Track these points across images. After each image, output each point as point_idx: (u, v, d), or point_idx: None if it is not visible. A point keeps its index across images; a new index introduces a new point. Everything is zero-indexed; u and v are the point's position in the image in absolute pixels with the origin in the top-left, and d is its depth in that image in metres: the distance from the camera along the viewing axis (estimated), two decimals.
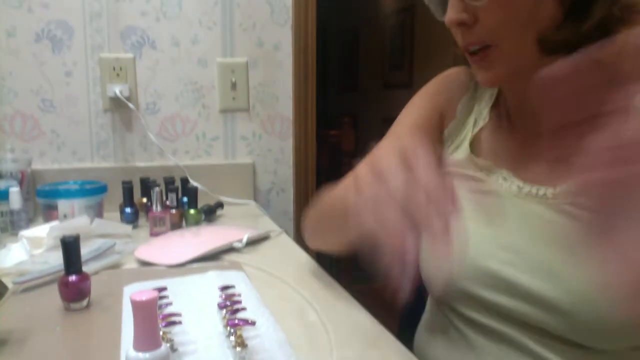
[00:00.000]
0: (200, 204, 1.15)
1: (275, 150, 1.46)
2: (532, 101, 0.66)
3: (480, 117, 0.75)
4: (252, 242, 1.00)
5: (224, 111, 1.40)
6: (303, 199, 1.48)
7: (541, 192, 0.64)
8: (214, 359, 0.56)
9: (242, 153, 1.44)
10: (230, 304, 0.66)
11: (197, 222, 1.12)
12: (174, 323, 0.62)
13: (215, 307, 0.67)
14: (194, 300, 0.70)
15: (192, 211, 1.11)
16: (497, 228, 0.66)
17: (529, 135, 0.68)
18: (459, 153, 0.74)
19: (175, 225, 1.10)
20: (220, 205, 1.23)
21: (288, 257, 0.94)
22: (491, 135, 0.73)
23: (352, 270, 2.93)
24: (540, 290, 0.60)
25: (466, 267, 0.66)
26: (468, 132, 0.75)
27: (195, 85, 1.37)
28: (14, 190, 1.06)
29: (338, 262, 2.98)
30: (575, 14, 0.58)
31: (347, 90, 4.10)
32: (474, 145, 0.73)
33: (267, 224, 1.18)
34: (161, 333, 0.57)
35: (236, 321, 0.61)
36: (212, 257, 0.91)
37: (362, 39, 3.80)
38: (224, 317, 0.63)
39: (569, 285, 0.58)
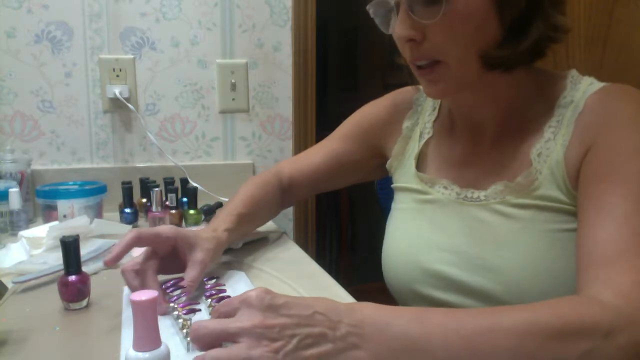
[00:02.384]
0: (199, 205, 1.15)
1: (275, 151, 1.46)
2: (474, 113, 0.74)
3: (424, 130, 0.82)
4: (252, 242, 1.00)
5: (223, 112, 1.40)
6: (302, 199, 1.48)
7: (475, 195, 0.71)
8: None
9: (241, 153, 1.44)
10: (215, 293, 0.67)
11: (196, 223, 1.12)
12: (193, 310, 0.63)
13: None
14: (195, 296, 0.71)
15: (191, 211, 1.11)
16: (439, 232, 0.73)
17: (468, 145, 0.75)
18: (406, 167, 0.82)
19: (175, 226, 1.10)
20: (219, 205, 1.23)
21: (288, 257, 0.94)
22: (435, 149, 0.80)
23: (352, 270, 2.93)
24: (480, 285, 0.67)
25: (416, 271, 0.74)
26: (415, 147, 0.82)
27: (195, 86, 1.37)
28: (14, 191, 1.06)
29: (338, 262, 2.98)
30: (513, 34, 0.64)
31: (347, 91, 4.10)
32: (420, 159, 0.81)
33: (266, 225, 1.18)
34: (181, 321, 0.59)
35: None
36: None
37: (362, 39, 3.80)
38: (210, 306, 0.65)
39: (504, 278, 0.65)
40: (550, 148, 0.66)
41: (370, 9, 0.68)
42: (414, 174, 0.80)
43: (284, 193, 0.96)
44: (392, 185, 0.85)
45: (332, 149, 0.94)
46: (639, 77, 1.18)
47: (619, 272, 0.52)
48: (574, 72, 0.71)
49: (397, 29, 0.64)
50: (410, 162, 0.81)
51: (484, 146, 0.74)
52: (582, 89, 0.67)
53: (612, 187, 0.58)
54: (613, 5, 1.19)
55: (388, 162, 0.87)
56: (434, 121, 0.82)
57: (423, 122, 0.83)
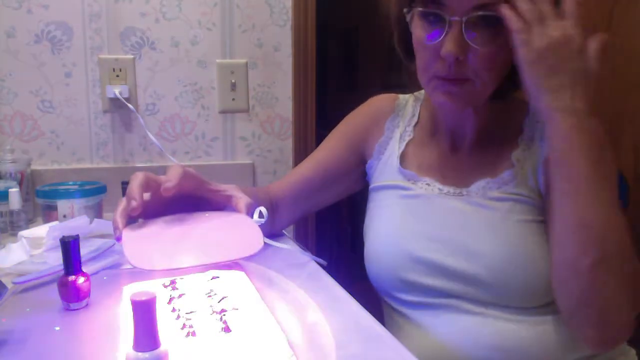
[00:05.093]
0: None
1: (275, 151, 1.46)
2: (458, 121, 0.81)
3: (405, 133, 0.88)
4: None
5: (223, 112, 1.41)
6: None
7: (458, 191, 0.79)
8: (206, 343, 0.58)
9: (241, 153, 1.44)
10: (216, 292, 0.67)
11: None
12: (192, 312, 0.63)
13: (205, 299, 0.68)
14: (195, 296, 0.71)
15: None
16: (424, 223, 0.79)
17: (449, 149, 0.83)
18: (387, 165, 0.87)
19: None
20: None
21: (288, 257, 0.94)
22: (416, 151, 0.86)
23: (352, 270, 2.93)
24: (463, 269, 0.74)
25: (403, 259, 0.79)
26: (395, 147, 0.87)
27: (194, 86, 1.37)
28: (14, 191, 1.06)
29: (338, 262, 2.98)
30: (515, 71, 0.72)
31: (346, 91, 4.10)
32: (402, 158, 0.86)
33: None
34: (184, 321, 0.60)
35: (222, 307, 0.63)
36: None
37: (362, 39, 3.80)
38: (211, 306, 0.65)
39: (487, 261, 0.73)
40: (526, 157, 0.77)
41: (413, 14, 0.71)
42: (397, 171, 0.84)
43: (273, 212, 0.93)
44: (371, 186, 0.89)
45: (317, 159, 0.95)
46: (639, 77, 1.18)
47: None
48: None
49: (448, 46, 0.67)
50: (393, 160, 0.86)
51: (463, 150, 0.82)
52: None
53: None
54: (613, 5, 1.19)
55: (368, 162, 0.91)
56: (414, 125, 0.88)
57: (404, 125, 0.88)
